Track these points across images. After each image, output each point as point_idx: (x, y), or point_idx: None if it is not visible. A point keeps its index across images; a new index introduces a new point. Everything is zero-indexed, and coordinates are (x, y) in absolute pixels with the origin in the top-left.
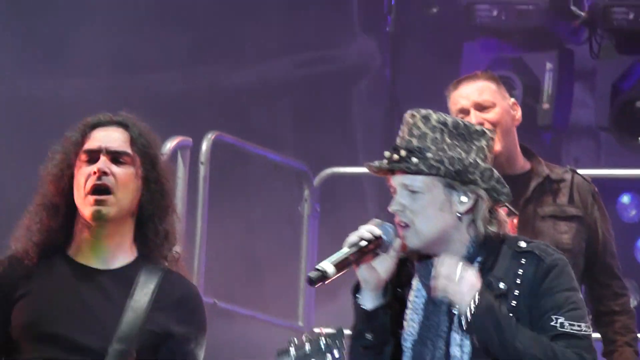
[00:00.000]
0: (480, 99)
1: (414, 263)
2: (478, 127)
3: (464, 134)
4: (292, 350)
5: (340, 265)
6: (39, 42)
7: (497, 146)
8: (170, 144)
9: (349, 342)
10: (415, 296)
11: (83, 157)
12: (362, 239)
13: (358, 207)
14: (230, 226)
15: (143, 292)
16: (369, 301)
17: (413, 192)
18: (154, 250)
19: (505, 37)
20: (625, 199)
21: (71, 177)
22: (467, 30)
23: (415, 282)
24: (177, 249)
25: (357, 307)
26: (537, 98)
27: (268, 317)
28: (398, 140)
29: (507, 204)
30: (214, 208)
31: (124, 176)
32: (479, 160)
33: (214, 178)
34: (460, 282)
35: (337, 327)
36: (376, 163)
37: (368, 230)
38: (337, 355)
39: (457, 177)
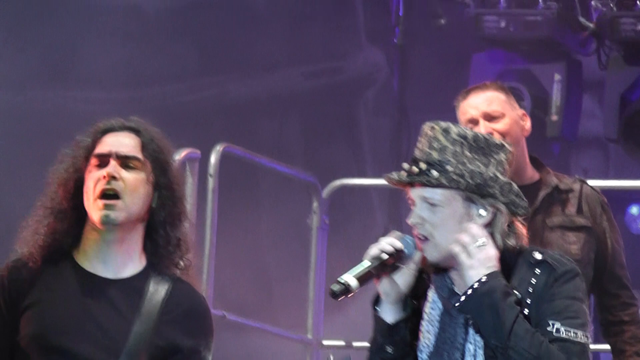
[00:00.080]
0: (489, 109)
1: (430, 275)
2: (497, 141)
3: (484, 148)
4: None
5: (362, 278)
6: (48, 54)
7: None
8: (178, 156)
9: (367, 354)
10: (431, 308)
11: (93, 161)
12: (383, 251)
13: (367, 219)
14: (239, 238)
15: (151, 305)
16: (389, 314)
17: (432, 205)
18: (164, 258)
19: (513, 48)
20: (634, 210)
21: (80, 181)
22: (475, 41)
23: (431, 294)
24: (190, 256)
25: (378, 319)
26: (546, 109)
27: (277, 330)
28: (417, 152)
29: None
30: (223, 220)
31: (133, 181)
32: (498, 174)
33: (223, 190)
34: (475, 253)
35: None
36: (395, 175)
37: (389, 243)
38: None
39: (476, 191)
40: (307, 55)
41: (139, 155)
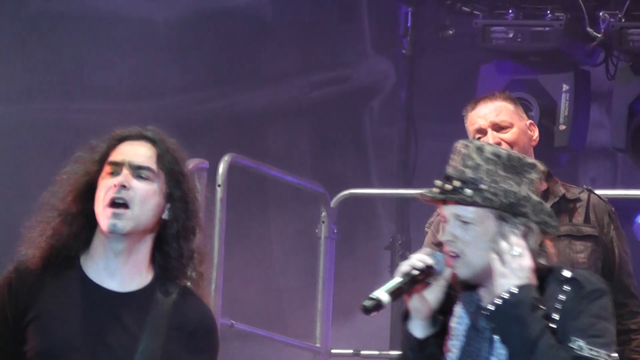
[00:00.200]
0: (497, 119)
1: (458, 291)
2: (529, 160)
3: (517, 167)
4: None
5: (393, 294)
6: (57, 65)
7: None
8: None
9: None
10: (458, 323)
11: (107, 168)
12: (414, 268)
13: (373, 229)
14: (248, 248)
15: (158, 321)
16: (419, 330)
17: (465, 222)
18: (174, 271)
19: (521, 59)
20: None
21: (91, 186)
22: (483, 52)
23: (458, 309)
24: (203, 267)
25: (408, 335)
26: (554, 119)
27: (285, 338)
28: (450, 170)
29: None
30: (232, 230)
31: (144, 192)
32: (530, 193)
33: (231, 200)
34: (510, 262)
35: None
36: (428, 192)
37: (420, 259)
38: None
39: (509, 210)
40: (314, 65)
41: (153, 166)
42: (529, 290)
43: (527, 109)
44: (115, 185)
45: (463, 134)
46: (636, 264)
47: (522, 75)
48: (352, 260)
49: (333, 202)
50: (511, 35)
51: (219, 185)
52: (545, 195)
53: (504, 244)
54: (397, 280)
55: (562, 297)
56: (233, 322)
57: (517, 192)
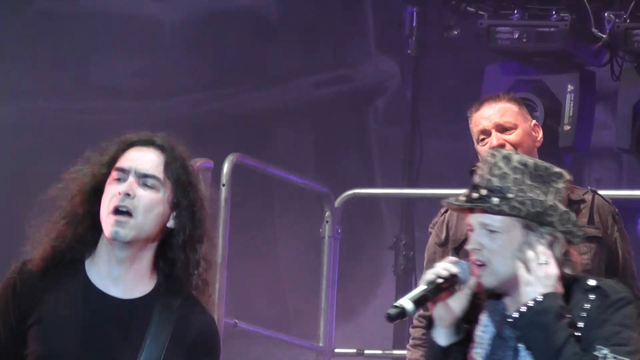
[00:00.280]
0: (501, 120)
1: (484, 299)
2: (556, 169)
3: (544, 176)
4: None
5: (417, 302)
6: (62, 64)
7: None
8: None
9: None
10: (483, 331)
11: (114, 174)
12: (438, 276)
13: (377, 229)
14: (252, 247)
15: (160, 329)
16: (443, 338)
17: (492, 231)
18: (178, 278)
19: (526, 59)
20: None
21: (98, 189)
22: (488, 52)
23: (484, 318)
24: (209, 274)
25: (432, 343)
26: (559, 120)
27: (289, 338)
28: (477, 179)
29: None
30: (236, 229)
31: (148, 200)
32: (557, 203)
33: (236, 200)
34: (536, 270)
35: None
36: (455, 201)
37: (444, 268)
38: None
39: (536, 219)
40: (319, 65)
41: (159, 175)
42: (554, 299)
43: (532, 109)
44: (119, 193)
45: (468, 135)
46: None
47: (527, 76)
48: (356, 260)
49: (337, 202)
50: (516, 36)
51: (224, 185)
52: None
53: (530, 253)
54: (421, 288)
55: (587, 305)
56: (237, 321)
57: (543, 201)
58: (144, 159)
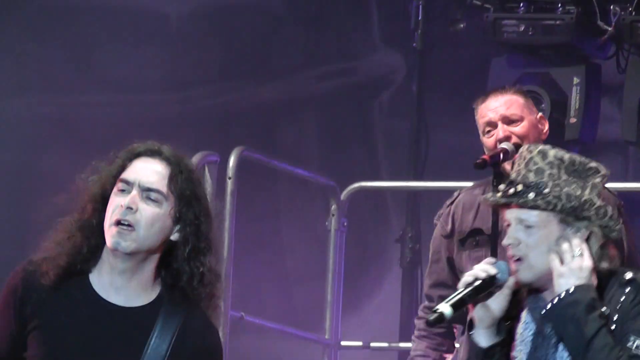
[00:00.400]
0: (508, 112)
1: (524, 296)
2: (593, 164)
3: (580, 171)
4: None
5: (456, 306)
6: (67, 58)
7: None
8: (197, 159)
9: None
10: (524, 328)
11: (119, 185)
12: (477, 278)
13: (382, 222)
14: (258, 240)
15: (161, 339)
16: (484, 339)
17: (528, 226)
18: (181, 290)
19: (532, 52)
20: None
21: (107, 200)
22: (494, 45)
23: (525, 315)
24: (215, 287)
25: (473, 344)
26: (565, 112)
27: (295, 331)
28: (513, 174)
29: None
30: (242, 223)
31: (150, 215)
32: (594, 197)
33: (242, 193)
34: (569, 261)
35: None
36: (492, 197)
37: (483, 269)
38: None
39: (572, 213)
40: (324, 58)
41: (163, 188)
42: (586, 291)
43: (538, 102)
44: (122, 206)
45: (474, 127)
46: None
47: (533, 69)
48: (362, 253)
49: (343, 195)
50: (522, 29)
51: (230, 178)
52: None
53: (564, 245)
54: (460, 291)
55: (622, 297)
56: (243, 314)
57: (579, 195)
58: (149, 172)
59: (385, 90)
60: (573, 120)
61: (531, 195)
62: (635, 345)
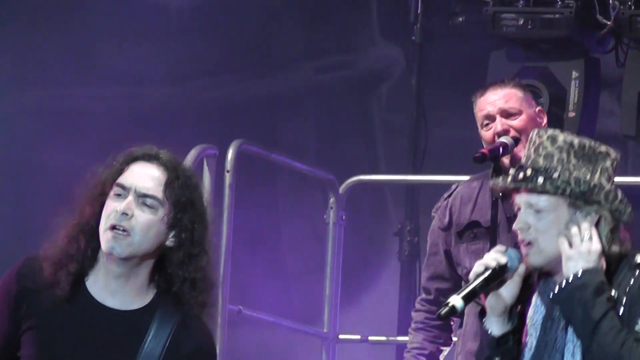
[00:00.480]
0: (506, 106)
1: (535, 280)
2: (603, 148)
3: (590, 155)
4: None
5: (467, 297)
6: (68, 51)
7: (522, 153)
8: (195, 152)
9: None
10: (534, 312)
11: (115, 189)
12: (488, 267)
13: (381, 215)
14: (256, 234)
15: (155, 343)
16: (496, 327)
17: (538, 211)
18: (175, 295)
19: (531, 46)
20: None
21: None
22: (493, 39)
23: (535, 299)
24: (209, 295)
25: (485, 333)
26: (563, 106)
27: (293, 324)
28: (523, 159)
29: None
30: (240, 216)
31: (146, 221)
32: (603, 181)
33: (240, 186)
34: (578, 245)
35: None
36: (501, 181)
37: (493, 258)
38: None
39: (581, 198)
40: (323, 51)
41: (159, 195)
42: (594, 274)
43: (536, 96)
44: (117, 211)
45: (472, 121)
46: None
47: (532, 63)
48: (361, 246)
49: (342, 188)
50: (521, 23)
51: (228, 171)
52: None
53: (574, 229)
54: (471, 282)
55: (631, 281)
56: (241, 307)
57: (589, 180)
58: (146, 177)
59: (384, 83)
60: (572, 114)
61: (540, 179)
62: None
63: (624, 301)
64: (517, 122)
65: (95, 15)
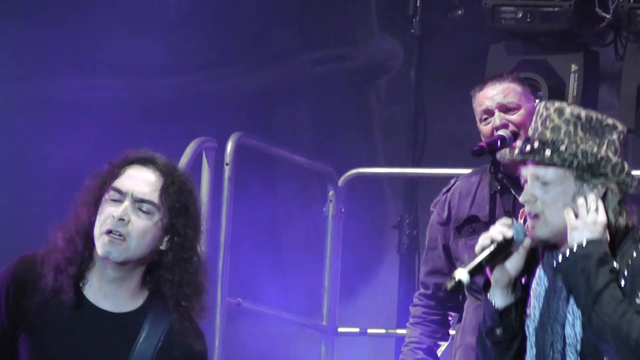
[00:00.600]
0: (505, 100)
1: (540, 252)
2: (610, 121)
3: (597, 128)
4: None
5: (474, 271)
6: (68, 42)
7: None
8: (194, 145)
9: (478, 336)
10: (537, 284)
11: (111, 193)
12: (493, 241)
13: (380, 208)
14: (255, 227)
15: (147, 345)
16: (500, 299)
17: (544, 183)
18: (167, 297)
19: (530, 39)
20: None
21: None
22: (492, 32)
23: (539, 271)
24: (198, 298)
25: (488, 304)
26: (562, 100)
27: (292, 317)
28: (530, 132)
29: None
30: (239, 209)
31: (142, 227)
32: (610, 154)
33: (239, 179)
34: (584, 216)
35: None
36: (508, 154)
37: (499, 231)
38: None
39: (588, 170)
40: (322, 44)
41: (155, 200)
42: (598, 245)
43: (535, 90)
44: (114, 217)
45: (471, 115)
46: None
47: (531, 56)
48: (360, 239)
49: (341, 181)
50: (520, 16)
51: (227, 164)
52: None
53: (580, 200)
54: (477, 256)
55: (634, 254)
56: (240, 300)
57: (596, 152)
58: (142, 182)
59: (383, 76)
60: None
61: (547, 152)
62: None
63: (625, 273)
64: (515, 116)
65: (95, 8)
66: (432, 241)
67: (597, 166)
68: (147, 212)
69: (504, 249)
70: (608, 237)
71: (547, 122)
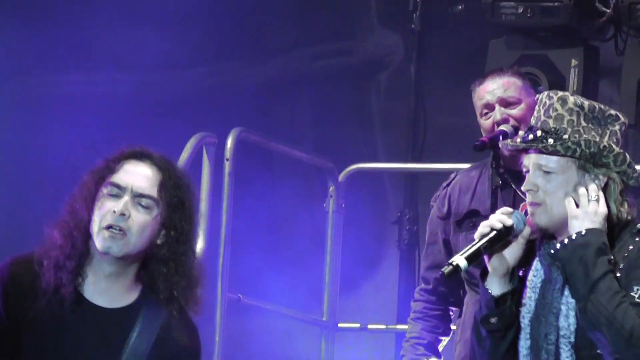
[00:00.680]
0: (505, 94)
1: (538, 244)
2: (612, 112)
3: (599, 118)
4: None
5: (471, 258)
6: (69, 37)
7: None
8: (195, 140)
9: (473, 324)
10: (534, 275)
11: (109, 188)
12: (493, 229)
13: (380, 203)
14: (255, 222)
15: (141, 340)
16: (496, 287)
17: (547, 172)
18: (161, 292)
19: (530, 34)
20: None
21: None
22: (492, 27)
23: (536, 262)
24: (193, 292)
25: (485, 292)
26: None
27: (292, 312)
28: (533, 120)
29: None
30: (239, 204)
31: (142, 221)
32: (612, 144)
33: (239, 174)
34: (584, 205)
35: None
36: (511, 141)
37: (499, 219)
38: None
39: (590, 160)
40: (321, 39)
41: (154, 194)
42: (598, 234)
43: (536, 84)
44: (114, 212)
45: (472, 110)
46: None
47: (531, 51)
48: (360, 234)
49: (341, 177)
50: (521, 11)
51: (227, 160)
52: None
53: (581, 189)
54: (476, 243)
55: (631, 246)
56: (240, 295)
57: (598, 142)
58: (141, 177)
59: (383, 71)
60: None
61: (550, 140)
62: (638, 294)
63: (621, 266)
64: (515, 111)
65: (96, 2)
66: (433, 236)
67: (600, 156)
68: (146, 207)
69: (503, 236)
70: (606, 230)
71: (550, 111)
